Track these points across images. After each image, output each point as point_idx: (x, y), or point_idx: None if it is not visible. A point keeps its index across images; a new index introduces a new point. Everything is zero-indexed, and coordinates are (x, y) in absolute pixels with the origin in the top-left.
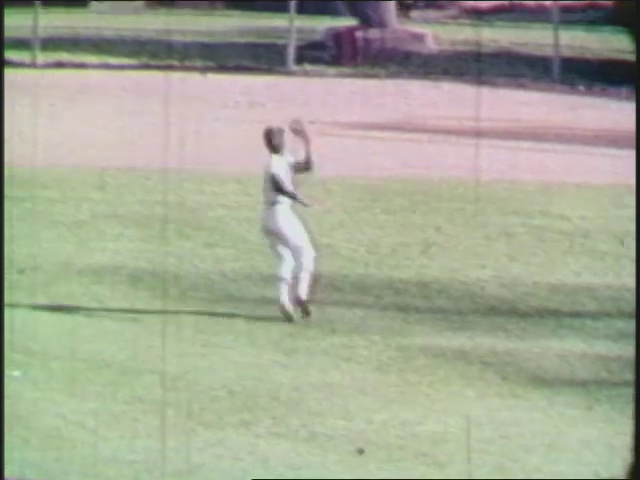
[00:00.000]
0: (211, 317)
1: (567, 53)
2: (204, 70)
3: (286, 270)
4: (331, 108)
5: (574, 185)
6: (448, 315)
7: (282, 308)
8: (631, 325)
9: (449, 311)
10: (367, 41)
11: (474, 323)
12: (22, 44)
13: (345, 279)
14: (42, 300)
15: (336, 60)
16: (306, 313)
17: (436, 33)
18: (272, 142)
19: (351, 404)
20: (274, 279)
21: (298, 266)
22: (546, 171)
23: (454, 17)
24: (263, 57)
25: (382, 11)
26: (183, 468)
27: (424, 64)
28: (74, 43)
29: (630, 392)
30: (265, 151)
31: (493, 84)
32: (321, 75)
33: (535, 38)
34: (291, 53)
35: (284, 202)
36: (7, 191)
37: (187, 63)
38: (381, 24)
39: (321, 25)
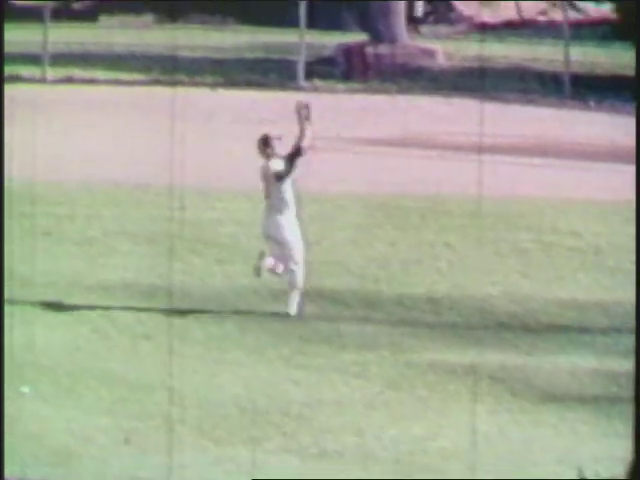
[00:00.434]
0: (221, 333)
1: (578, 69)
2: (214, 86)
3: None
4: (341, 124)
5: (585, 201)
6: (458, 331)
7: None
8: None
9: (459, 327)
10: (377, 57)
11: (484, 339)
12: (32, 59)
13: (356, 295)
14: (52, 316)
15: (346, 76)
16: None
17: (446, 49)
18: (267, 149)
19: (361, 420)
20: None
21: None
22: (557, 187)
23: (464, 33)
24: (273, 72)
25: (392, 26)
26: None
27: (435, 80)
28: (84, 58)
29: None
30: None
31: (503, 100)
32: (331, 91)
33: (546, 54)
34: (301, 68)
35: (289, 209)
36: (17, 207)
37: (197, 78)
38: (391, 39)
39: (331, 40)
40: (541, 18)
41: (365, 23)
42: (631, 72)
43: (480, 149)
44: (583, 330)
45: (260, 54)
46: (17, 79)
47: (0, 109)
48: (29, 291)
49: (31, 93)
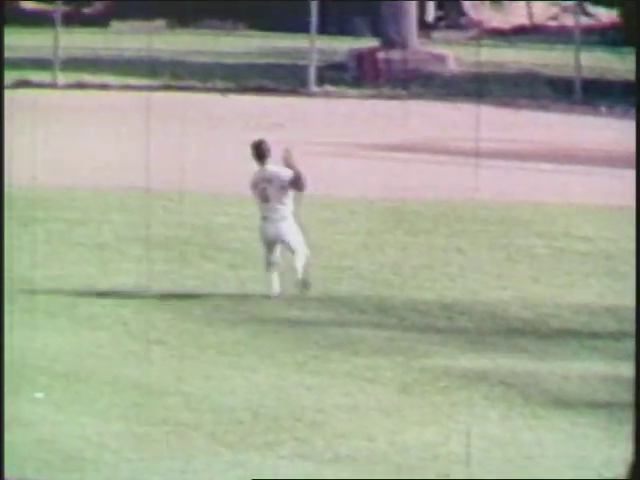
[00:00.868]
0: (234, 339)
1: (588, 74)
2: (225, 91)
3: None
4: (353, 129)
5: (596, 206)
6: (470, 336)
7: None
8: None
9: (471, 332)
10: (388, 62)
11: (496, 344)
12: (42, 64)
13: (368, 301)
14: (65, 322)
15: (357, 81)
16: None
17: (457, 54)
18: (262, 154)
19: (374, 425)
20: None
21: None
22: (568, 192)
23: (475, 38)
24: (284, 78)
25: (404, 32)
26: None
27: (446, 85)
28: (94, 63)
29: None
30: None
31: (514, 105)
32: (342, 96)
33: (556, 59)
34: (312, 74)
35: (290, 213)
36: (29, 212)
37: (208, 84)
38: (402, 45)
39: (342, 46)
40: (552, 23)
41: (376, 28)
42: None
43: (477, 154)
44: (594, 335)
45: (271, 59)
46: (28, 84)
47: (0, 112)
48: (42, 297)
49: (42, 98)
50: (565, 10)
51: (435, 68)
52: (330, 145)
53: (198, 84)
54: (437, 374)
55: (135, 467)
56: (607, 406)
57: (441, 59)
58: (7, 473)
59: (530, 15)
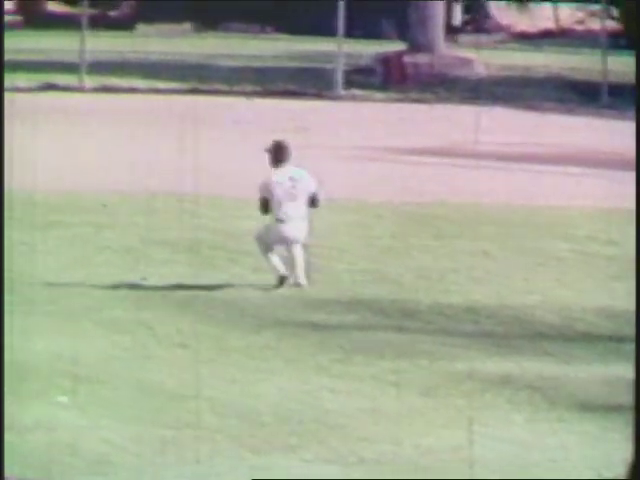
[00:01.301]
0: (260, 342)
1: (615, 78)
2: (251, 94)
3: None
4: (379, 133)
5: (622, 210)
6: (496, 340)
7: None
8: None
9: (497, 336)
10: (415, 66)
11: (522, 348)
12: (69, 68)
13: (393, 304)
14: (89, 325)
15: (384, 85)
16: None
17: (484, 58)
18: (286, 154)
19: (399, 429)
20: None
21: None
22: (594, 196)
23: (502, 42)
24: (311, 82)
25: (430, 35)
26: None
27: (472, 89)
28: (121, 67)
29: None
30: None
31: (541, 109)
32: (369, 100)
33: (583, 63)
34: (339, 78)
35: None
36: (56, 216)
37: (234, 87)
38: (429, 49)
39: (369, 49)
40: (579, 27)
41: (403, 32)
42: None
43: (503, 157)
44: (620, 339)
45: (298, 63)
46: (54, 87)
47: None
48: (66, 300)
49: (69, 102)
50: (591, 14)
51: (462, 72)
52: (356, 149)
53: (224, 87)
54: (462, 378)
55: (159, 471)
56: (633, 410)
57: (468, 63)
58: (33, 476)
59: (557, 19)
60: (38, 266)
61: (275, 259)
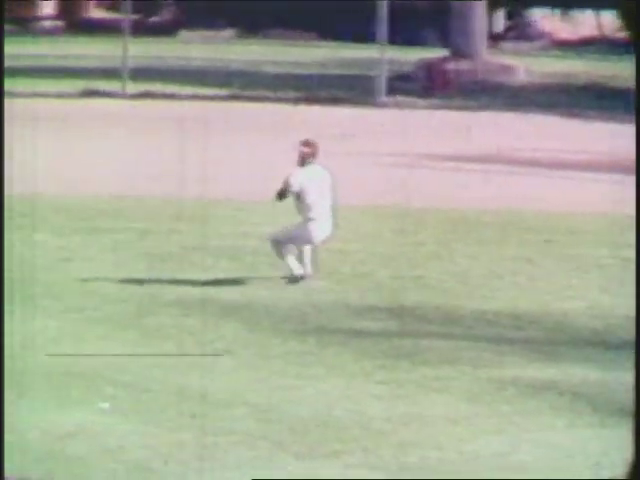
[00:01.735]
0: (302, 349)
1: None
2: (295, 101)
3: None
4: (423, 140)
5: None
6: (539, 346)
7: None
8: None
9: (540, 342)
10: (458, 73)
11: (565, 354)
12: (111, 74)
13: (437, 310)
14: (132, 332)
15: (426, 91)
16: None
17: (526, 65)
18: (315, 152)
19: (442, 435)
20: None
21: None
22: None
23: (544, 49)
24: (354, 88)
25: (473, 42)
26: None
27: (514, 96)
28: (163, 73)
29: None
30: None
31: (583, 116)
32: (412, 106)
33: (625, 71)
34: (382, 84)
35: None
36: (97, 222)
37: (277, 94)
38: (471, 55)
39: (412, 56)
40: (620, 35)
41: (445, 39)
42: None
43: (545, 164)
44: None
45: (341, 70)
46: (96, 93)
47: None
48: (109, 307)
49: (112, 107)
50: None
51: (504, 79)
52: (399, 155)
53: (267, 94)
54: (505, 384)
55: (201, 477)
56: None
57: (510, 70)
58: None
59: (599, 26)
60: (81, 273)
61: (292, 259)
